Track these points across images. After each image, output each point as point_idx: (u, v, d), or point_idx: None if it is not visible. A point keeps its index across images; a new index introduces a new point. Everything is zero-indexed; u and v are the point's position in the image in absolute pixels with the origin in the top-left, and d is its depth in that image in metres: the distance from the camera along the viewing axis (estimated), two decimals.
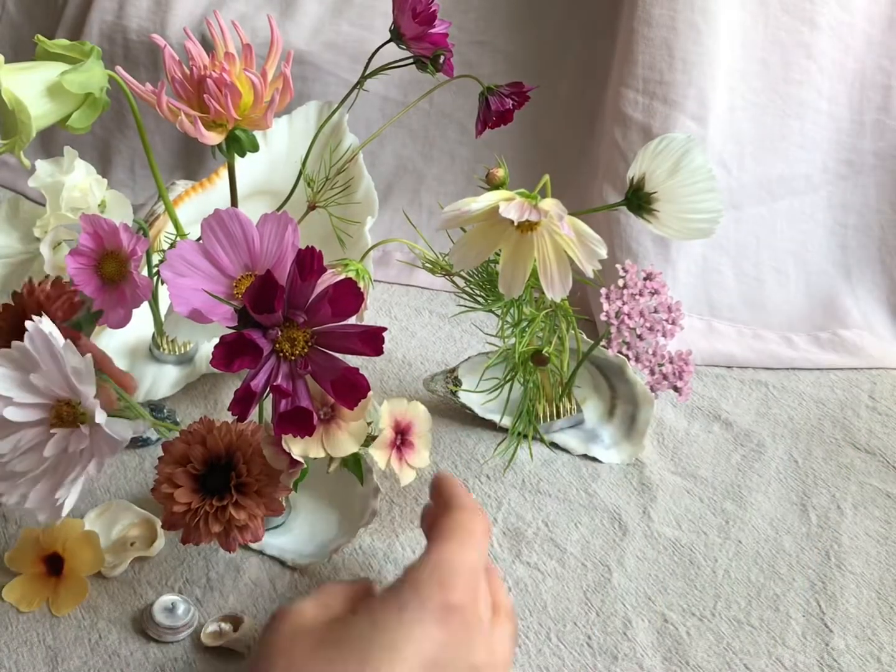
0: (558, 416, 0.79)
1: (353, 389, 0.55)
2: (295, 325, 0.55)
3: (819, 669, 0.63)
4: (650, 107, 0.91)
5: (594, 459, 0.79)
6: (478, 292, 0.73)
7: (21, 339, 0.56)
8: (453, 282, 0.74)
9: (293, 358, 0.55)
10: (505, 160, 0.74)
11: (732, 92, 0.93)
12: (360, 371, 0.55)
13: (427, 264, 0.72)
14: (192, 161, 1.12)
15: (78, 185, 0.69)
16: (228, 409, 0.56)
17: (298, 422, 0.55)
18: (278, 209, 0.65)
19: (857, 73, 0.96)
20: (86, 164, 0.71)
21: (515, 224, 0.59)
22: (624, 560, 0.70)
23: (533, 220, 0.56)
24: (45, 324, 0.55)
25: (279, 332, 0.55)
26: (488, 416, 0.80)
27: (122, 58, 1.10)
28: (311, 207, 0.81)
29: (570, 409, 0.80)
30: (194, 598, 0.66)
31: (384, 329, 0.55)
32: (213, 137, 0.70)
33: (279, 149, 0.93)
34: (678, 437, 0.82)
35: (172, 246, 0.73)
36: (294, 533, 0.69)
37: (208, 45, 0.76)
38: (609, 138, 0.94)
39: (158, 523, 0.69)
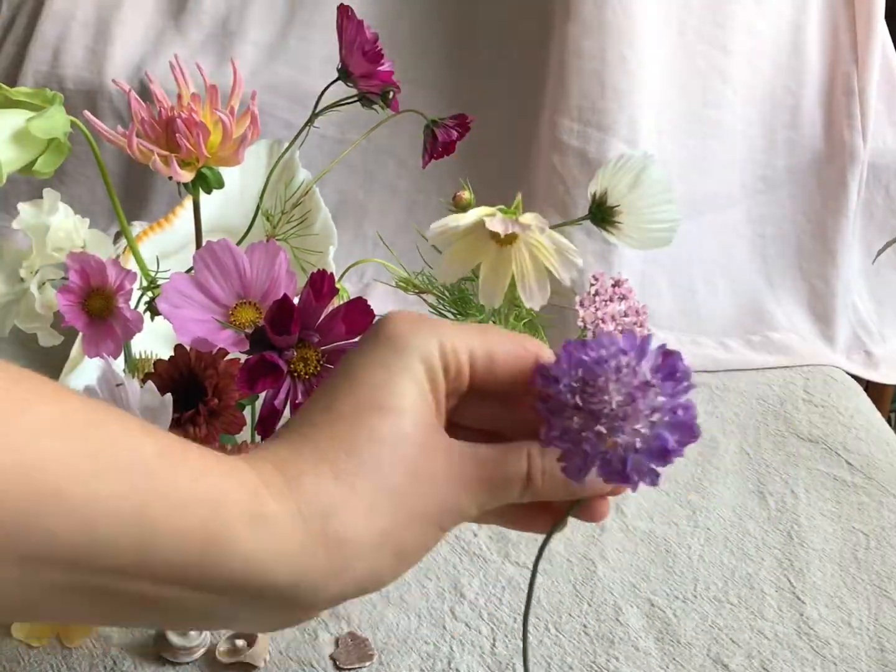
0: None
1: None
2: (307, 345, 0.58)
3: (798, 637, 0.68)
4: (585, 133, 0.97)
5: None
6: (450, 310, 0.76)
7: (174, 393, 0.59)
8: (424, 300, 0.77)
9: (307, 377, 0.58)
10: (444, 190, 0.78)
11: (659, 116, 1.00)
12: None
13: (401, 283, 0.75)
14: (133, 205, 1.13)
15: (62, 226, 0.70)
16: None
17: None
18: (237, 244, 0.68)
19: (768, 94, 1.04)
20: (64, 206, 0.73)
21: (496, 238, 0.63)
22: (605, 553, 0.74)
23: (517, 232, 0.60)
24: (114, 365, 0.57)
25: (294, 353, 0.58)
26: None
27: None
28: (270, 240, 0.84)
29: None
30: None
31: None
32: (186, 175, 0.72)
33: (232, 187, 0.95)
34: None
35: (152, 284, 0.75)
36: None
37: (147, 94, 0.78)
38: (547, 164, 1.00)
39: None
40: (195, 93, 0.74)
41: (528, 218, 0.62)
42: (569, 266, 0.64)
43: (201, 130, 0.71)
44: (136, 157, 0.72)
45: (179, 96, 0.74)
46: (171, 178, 0.72)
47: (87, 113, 0.74)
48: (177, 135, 0.71)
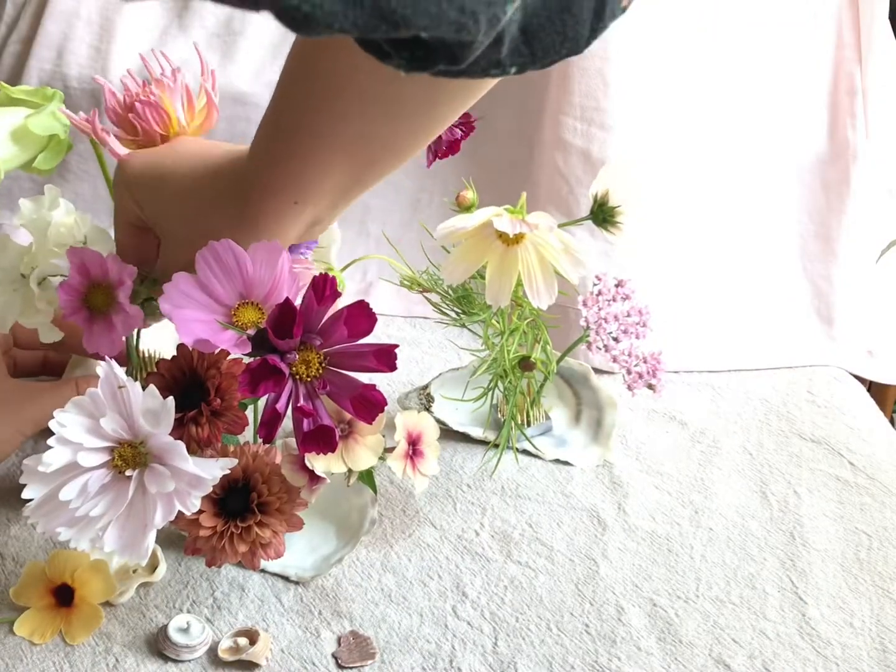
0: (528, 424, 0.83)
1: (370, 405, 0.58)
2: (309, 347, 0.58)
3: (800, 638, 0.68)
4: (588, 132, 0.97)
5: (566, 463, 0.83)
6: (454, 308, 0.76)
7: (176, 392, 0.60)
8: (428, 299, 0.77)
9: (308, 379, 0.58)
10: (449, 189, 0.78)
11: (661, 115, 1.00)
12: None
13: (405, 281, 0.75)
14: None
15: (63, 222, 0.70)
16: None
17: (322, 440, 0.57)
18: None
19: (771, 94, 1.04)
20: (65, 201, 0.73)
21: (502, 238, 0.63)
22: (608, 553, 0.74)
23: (525, 232, 0.60)
24: (115, 368, 0.57)
25: (296, 356, 0.58)
26: (461, 429, 0.84)
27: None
28: None
29: (539, 417, 0.84)
30: (203, 617, 0.67)
31: (396, 346, 0.58)
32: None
33: None
34: (640, 439, 0.87)
35: None
36: (294, 549, 0.71)
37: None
38: (550, 163, 1.00)
39: (159, 549, 0.71)
40: (159, 78, 0.74)
41: (536, 217, 0.62)
42: (577, 265, 0.64)
43: (152, 109, 0.71)
44: (99, 140, 0.72)
45: (145, 82, 0.74)
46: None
47: (62, 105, 0.74)
48: (129, 115, 0.71)
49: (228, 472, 0.59)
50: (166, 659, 0.64)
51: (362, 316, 0.58)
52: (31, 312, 0.71)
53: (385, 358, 0.59)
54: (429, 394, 0.85)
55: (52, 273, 0.72)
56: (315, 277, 0.58)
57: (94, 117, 0.70)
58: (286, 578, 0.70)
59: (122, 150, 0.69)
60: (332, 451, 0.58)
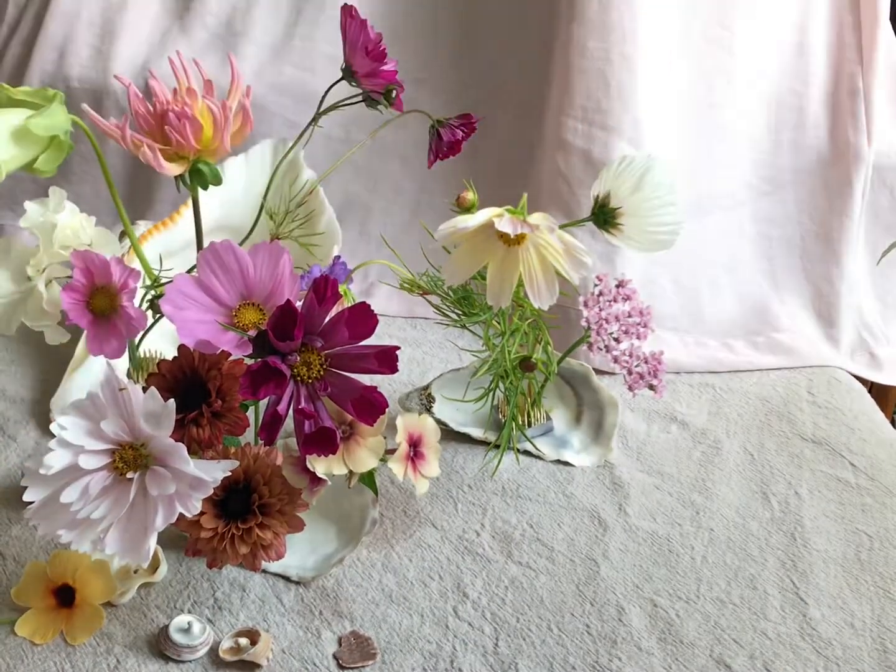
0: (529, 425, 0.83)
1: (372, 407, 0.58)
2: (310, 349, 0.58)
3: (801, 638, 0.68)
4: (589, 133, 0.97)
5: (566, 464, 0.83)
6: (454, 310, 0.76)
7: (177, 393, 0.60)
8: (429, 301, 0.77)
9: (310, 381, 0.58)
10: (449, 190, 0.78)
11: (663, 117, 1.00)
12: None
13: (405, 284, 0.76)
14: (140, 205, 1.13)
15: (69, 224, 0.71)
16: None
17: (323, 442, 0.58)
18: (241, 243, 0.68)
19: (773, 95, 1.04)
20: (70, 204, 0.73)
21: (503, 239, 0.64)
22: (608, 553, 0.74)
23: (526, 233, 0.60)
24: (117, 370, 0.57)
25: (297, 358, 0.58)
26: (462, 430, 0.84)
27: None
28: (274, 239, 0.84)
29: (540, 417, 0.84)
30: (205, 618, 0.67)
31: (397, 348, 0.58)
32: (174, 168, 0.72)
33: (237, 186, 0.96)
34: (640, 439, 0.87)
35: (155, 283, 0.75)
36: (295, 549, 0.71)
37: (149, 95, 0.78)
38: (551, 164, 1.00)
39: (160, 550, 0.71)
40: (190, 87, 0.74)
41: (537, 218, 0.63)
42: (578, 265, 0.64)
43: (190, 122, 0.71)
44: (129, 150, 0.72)
45: (175, 91, 0.74)
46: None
47: (84, 105, 0.74)
48: (166, 127, 0.71)
49: (229, 473, 0.59)
50: (167, 659, 0.64)
51: (363, 317, 0.58)
52: (37, 314, 0.71)
53: (386, 360, 0.59)
54: (430, 394, 0.85)
55: (59, 275, 0.72)
56: (316, 279, 0.59)
57: (124, 124, 0.70)
58: (287, 579, 0.71)
59: (167, 166, 0.70)
60: (334, 452, 0.58)
